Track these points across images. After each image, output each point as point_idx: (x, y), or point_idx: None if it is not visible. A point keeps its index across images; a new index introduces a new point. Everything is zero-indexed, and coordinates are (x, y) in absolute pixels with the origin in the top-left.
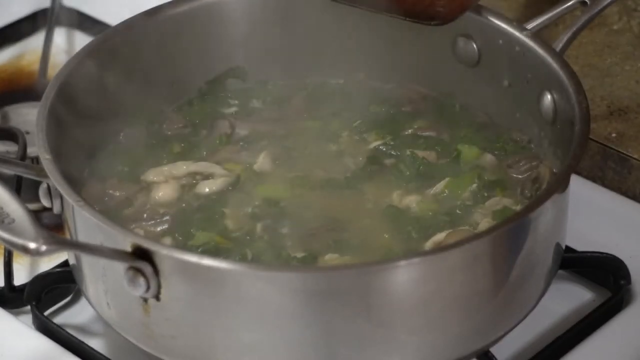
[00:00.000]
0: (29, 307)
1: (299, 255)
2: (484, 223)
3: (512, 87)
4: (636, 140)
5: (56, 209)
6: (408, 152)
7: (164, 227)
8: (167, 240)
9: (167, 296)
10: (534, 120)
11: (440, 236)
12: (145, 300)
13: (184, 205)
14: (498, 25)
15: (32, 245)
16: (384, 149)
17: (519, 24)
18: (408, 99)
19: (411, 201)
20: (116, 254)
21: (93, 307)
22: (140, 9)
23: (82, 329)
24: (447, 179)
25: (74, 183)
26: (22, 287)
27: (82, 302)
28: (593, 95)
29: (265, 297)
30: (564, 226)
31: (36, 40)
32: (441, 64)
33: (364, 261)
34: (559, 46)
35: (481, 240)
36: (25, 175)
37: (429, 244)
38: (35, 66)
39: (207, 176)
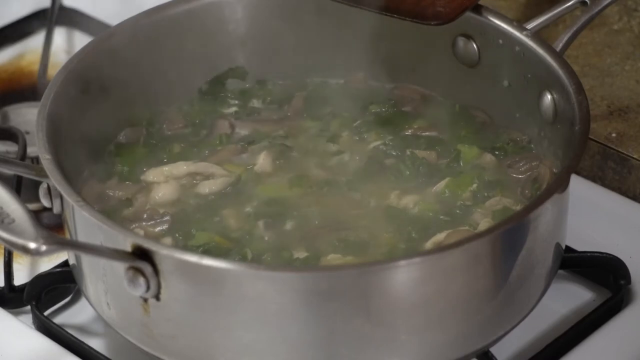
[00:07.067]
0: (29, 307)
1: (302, 255)
2: (484, 223)
3: (512, 87)
4: (636, 140)
5: (56, 209)
6: (408, 152)
7: (164, 227)
8: (167, 240)
9: (167, 296)
10: (534, 120)
11: (440, 236)
12: (145, 300)
13: (184, 205)
14: (498, 25)
15: (32, 245)
16: (384, 149)
17: (519, 24)
18: (408, 99)
19: (411, 201)
20: (116, 254)
21: (93, 307)
22: (140, 9)
23: (82, 329)
24: (447, 179)
25: (74, 183)
26: (22, 287)
27: (82, 302)
28: (593, 95)
29: (265, 297)
30: (564, 226)
31: (36, 40)
32: (441, 64)
33: (364, 261)
34: (559, 46)
35: (481, 240)
36: (25, 175)
37: (429, 244)
38: (35, 66)
39: (207, 176)
